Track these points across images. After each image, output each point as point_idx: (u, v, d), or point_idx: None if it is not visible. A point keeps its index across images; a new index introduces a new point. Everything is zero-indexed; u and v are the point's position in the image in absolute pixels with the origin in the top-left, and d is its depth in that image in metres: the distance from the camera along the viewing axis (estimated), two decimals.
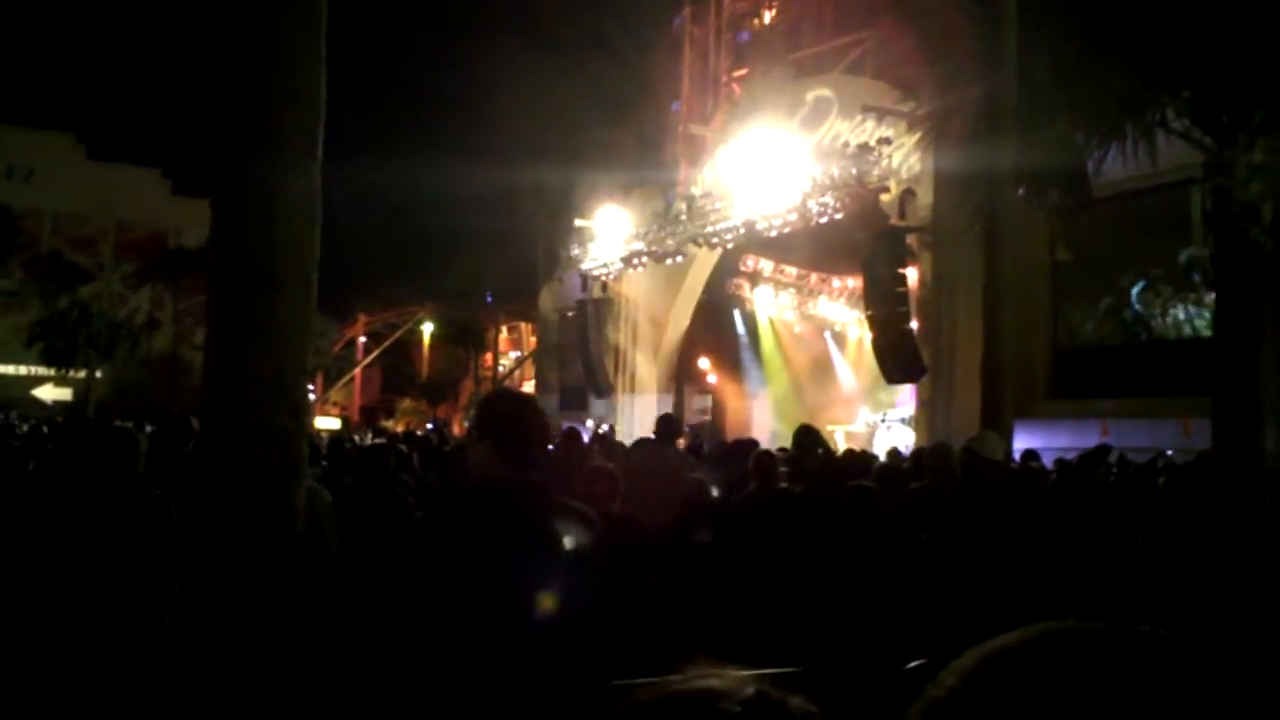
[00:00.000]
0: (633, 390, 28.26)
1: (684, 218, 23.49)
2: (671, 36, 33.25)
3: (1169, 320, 17.31)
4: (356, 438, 18.83)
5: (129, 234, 52.69)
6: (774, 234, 21.71)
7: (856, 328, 27.10)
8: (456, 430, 34.02)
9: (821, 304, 29.35)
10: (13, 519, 4.34)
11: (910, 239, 18.48)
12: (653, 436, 8.25)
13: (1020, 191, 9.97)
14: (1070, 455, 9.82)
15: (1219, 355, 9.26)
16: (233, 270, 3.46)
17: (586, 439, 12.02)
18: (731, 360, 30.85)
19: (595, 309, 27.98)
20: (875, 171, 18.49)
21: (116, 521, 4.22)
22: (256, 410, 3.37)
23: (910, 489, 6.38)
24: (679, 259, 24.89)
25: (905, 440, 19.59)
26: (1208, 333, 12.88)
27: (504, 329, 49.91)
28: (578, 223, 27.87)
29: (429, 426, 31.58)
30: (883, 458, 11.44)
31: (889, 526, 5.75)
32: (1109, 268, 17.72)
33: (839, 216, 19.35)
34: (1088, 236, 12.83)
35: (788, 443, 8.91)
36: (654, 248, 24.63)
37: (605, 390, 28.04)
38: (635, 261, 25.51)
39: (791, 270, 28.67)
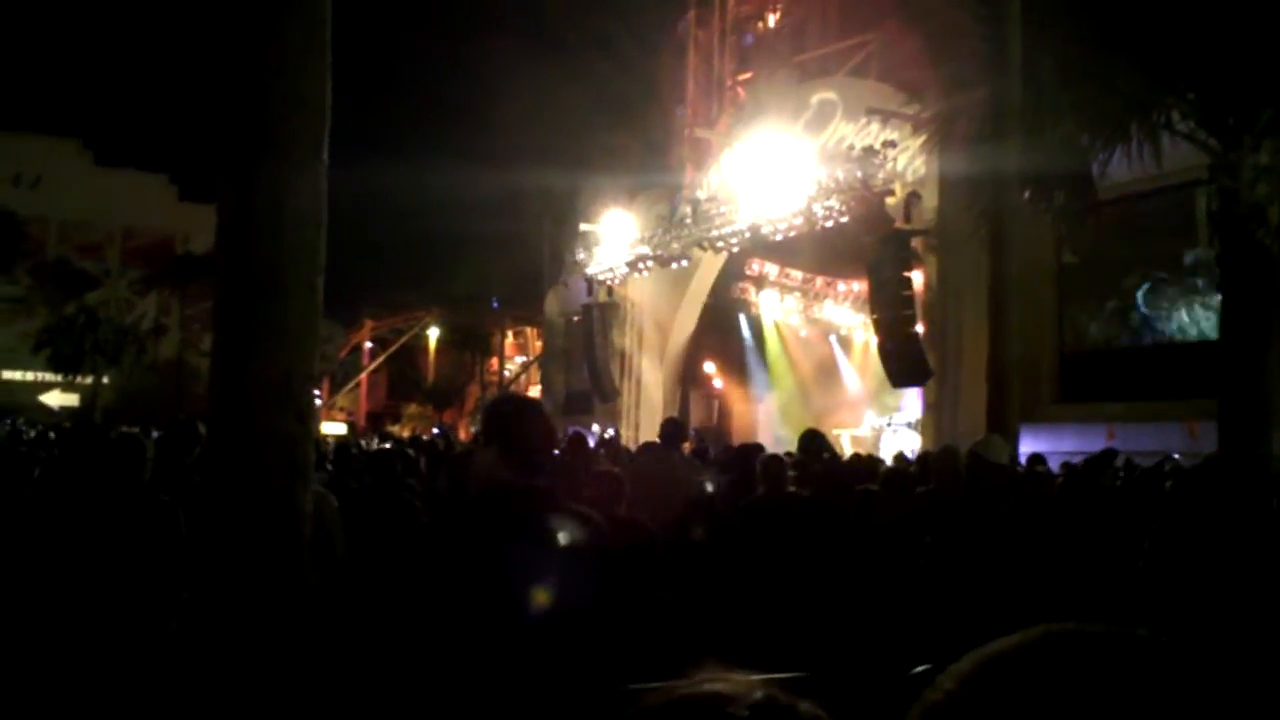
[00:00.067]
0: (638, 395, 28.25)
1: (689, 221, 23.49)
2: (676, 40, 33.30)
3: (1175, 323, 17.27)
4: (363, 443, 18.85)
5: (136, 240, 52.86)
6: (779, 238, 21.70)
7: (862, 331, 27.08)
8: (462, 435, 34.04)
9: (827, 308, 29.33)
10: (19, 525, 4.35)
11: (915, 242, 18.46)
12: (658, 441, 8.25)
13: (1025, 194, 9.96)
14: (1076, 459, 9.79)
15: (1225, 358, 9.23)
16: (239, 275, 3.47)
17: (592, 443, 12.03)
18: (737, 364, 30.84)
19: (600, 313, 27.98)
20: (880, 175, 18.47)
21: (123, 527, 4.23)
22: (263, 415, 3.38)
23: (916, 493, 6.38)
24: (684, 263, 24.89)
25: (911, 444, 19.57)
26: (1214, 335, 12.85)
27: (509, 334, 49.93)
28: (583, 227, 27.87)
29: (435, 431, 31.59)
30: (889, 462, 11.43)
31: (895, 531, 5.74)
32: (1115, 270, 17.69)
33: (844, 220, 19.33)
34: (1093, 239, 12.79)
35: (792, 447, 8.91)
36: (659, 252, 24.63)
37: (611, 395, 28.03)
38: (640, 266, 25.52)
39: (797, 274, 28.66)
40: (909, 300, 17.77)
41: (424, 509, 5.88)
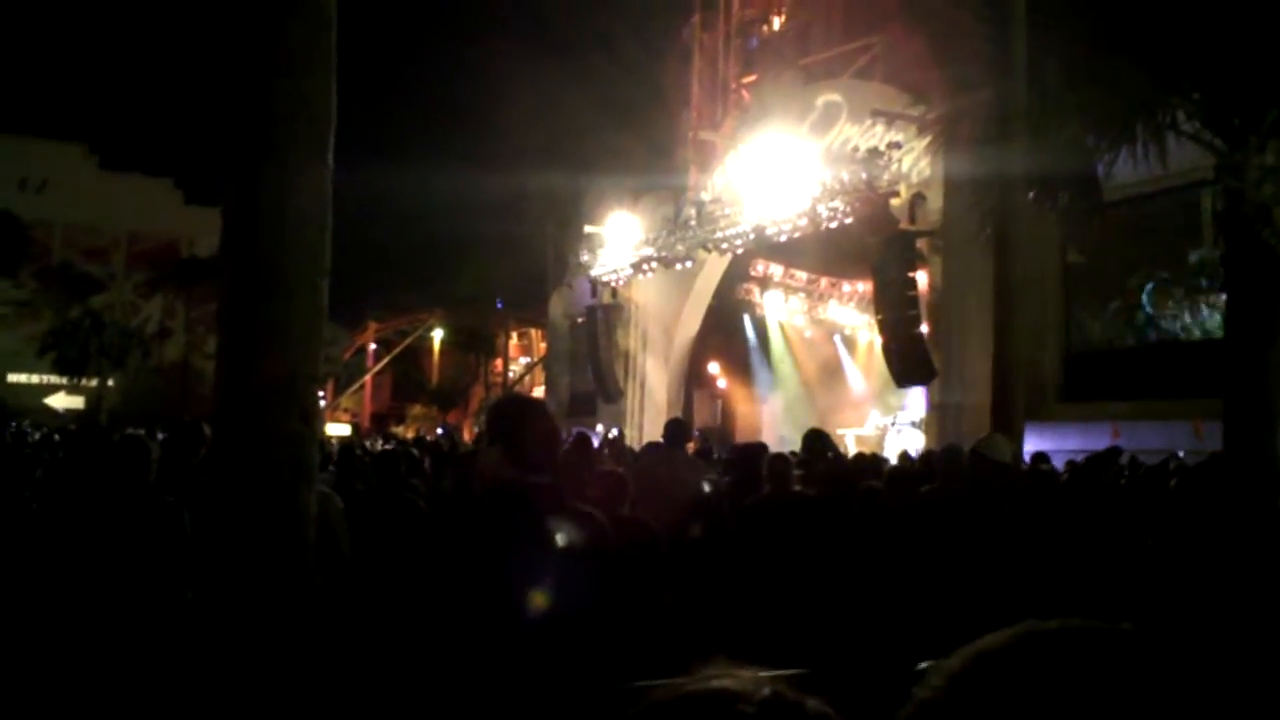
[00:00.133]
0: (642, 396, 28.25)
1: (694, 223, 23.50)
2: (681, 43, 33.32)
3: (1180, 323, 17.25)
4: (367, 444, 18.87)
5: (141, 244, 52.93)
6: (784, 239, 21.71)
7: (867, 332, 27.07)
8: (467, 436, 34.06)
9: (831, 308, 29.32)
10: (22, 526, 4.37)
11: (920, 243, 18.46)
12: (662, 441, 8.25)
13: (1031, 195, 9.95)
14: (1081, 458, 9.78)
15: (1231, 357, 9.22)
16: (244, 277, 3.48)
17: (596, 444, 12.03)
18: (741, 365, 30.84)
19: (605, 315, 27.99)
20: (885, 176, 18.47)
21: (127, 528, 4.24)
22: (267, 416, 3.38)
23: (921, 492, 6.38)
24: (689, 264, 24.89)
25: (916, 444, 19.55)
26: (1219, 335, 12.84)
27: (514, 335, 49.96)
28: (587, 229, 27.89)
29: (439, 432, 31.61)
30: (893, 461, 11.41)
31: (899, 528, 5.74)
32: (1120, 270, 17.67)
33: (849, 221, 19.33)
34: (1098, 240, 12.79)
35: (796, 447, 8.90)
36: (664, 253, 24.63)
37: (615, 395, 28.04)
38: (645, 267, 25.52)
39: (801, 275, 28.65)
40: (914, 300, 17.76)
41: (429, 509, 5.89)
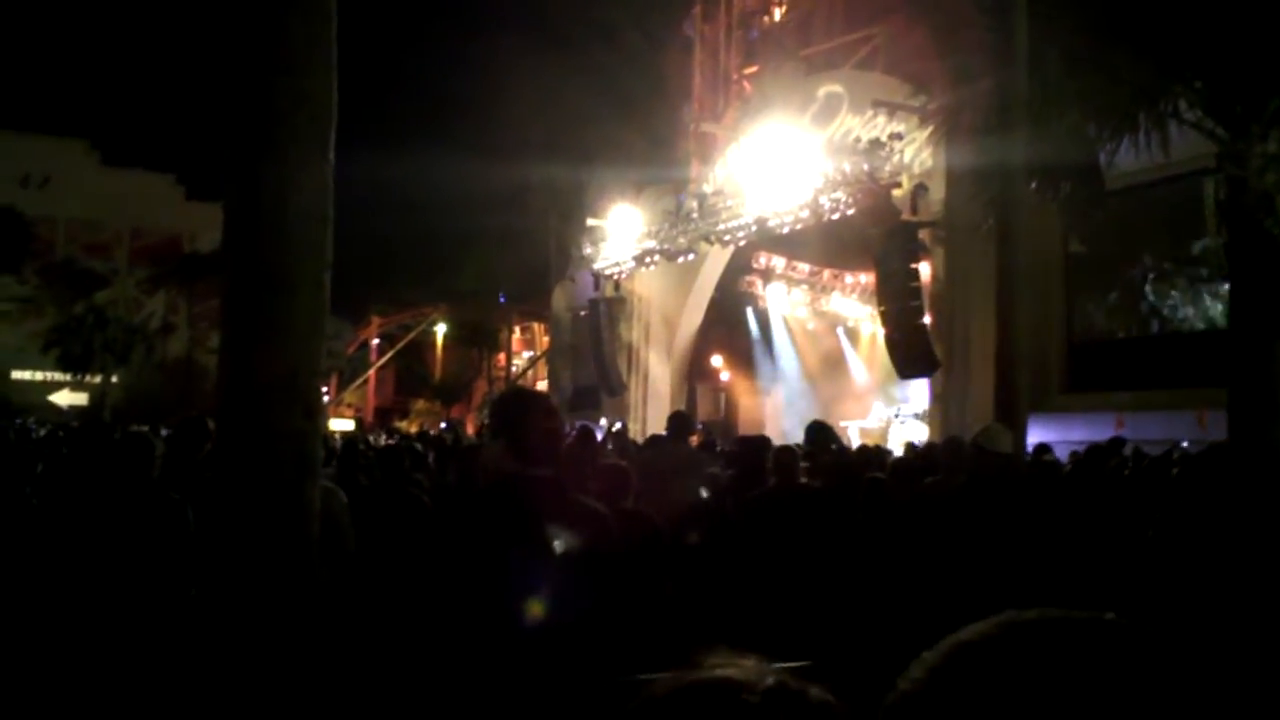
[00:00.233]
0: (645, 389, 28.26)
1: (695, 215, 23.48)
2: (682, 35, 33.26)
3: (1183, 312, 17.23)
4: (371, 438, 18.89)
5: (143, 240, 52.99)
6: (786, 231, 21.69)
7: (869, 323, 27.04)
8: (470, 430, 34.09)
9: (834, 300, 29.30)
10: (23, 521, 4.37)
11: (923, 234, 18.43)
12: (665, 434, 8.26)
13: (1033, 185, 9.93)
14: (1084, 449, 9.78)
15: (1234, 346, 9.21)
16: (246, 272, 3.48)
17: (600, 437, 12.04)
18: (744, 357, 30.83)
19: (608, 308, 27.98)
20: (887, 167, 18.45)
21: (131, 524, 4.24)
22: (270, 411, 3.39)
23: (925, 483, 6.38)
24: (691, 257, 24.88)
25: (920, 435, 19.55)
26: (1223, 324, 12.83)
27: (517, 329, 49.98)
28: (590, 222, 27.88)
29: (443, 426, 31.64)
30: (898, 452, 11.41)
31: (903, 519, 5.75)
32: (1123, 260, 17.66)
33: (851, 212, 19.31)
34: (1101, 229, 12.77)
35: (799, 439, 8.90)
36: (666, 246, 24.63)
37: (618, 389, 28.05)
38: (647, 260, 25.52)
39: (804, 267, 28.63)
40: (916, 291, 17.74)
41: (432, 503, 5.90)
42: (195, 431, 5.70)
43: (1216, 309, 15.98)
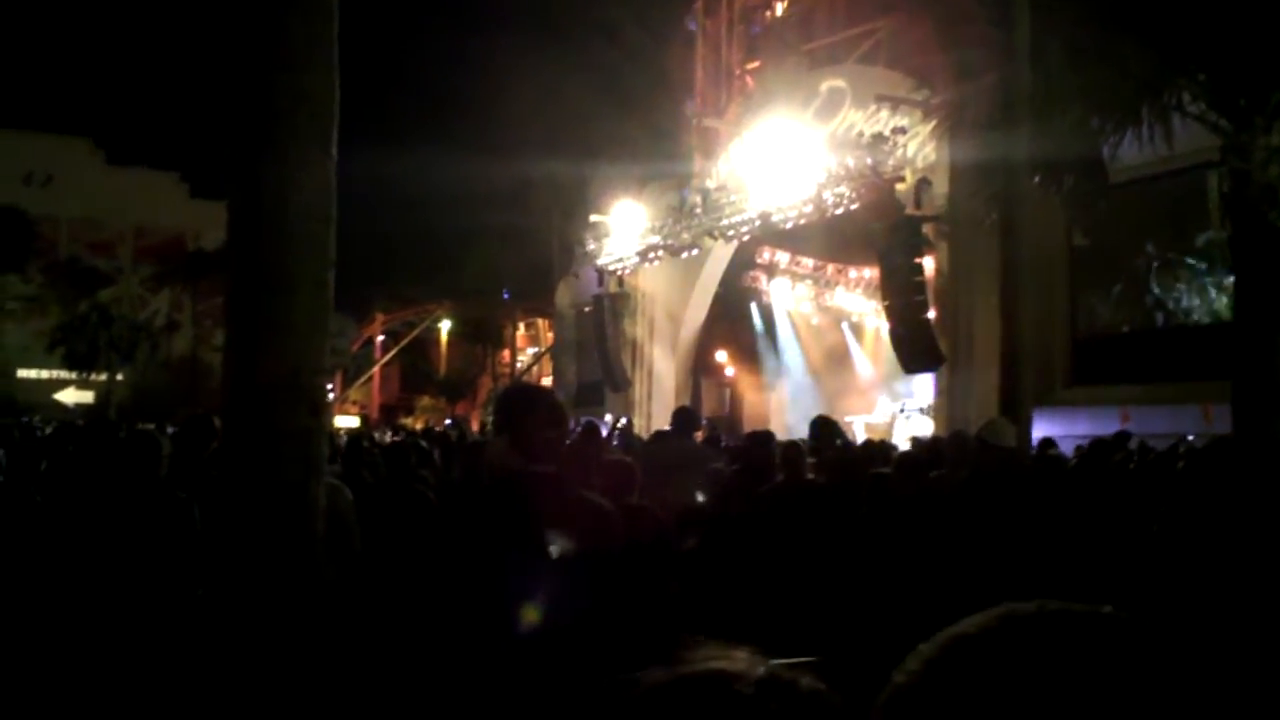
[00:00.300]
0: (650, 384, 28.26)
1: (699, 211, 23.46)
2: (684, 30, 33.22)
3: (1188, 305, 17.20)
4: (376, 435, 18.92)
5: (148, 238, 53.08)
6: (789, 226, 21.67)
7: (874, 318, 27.01)
8: (475, 427, 34.10)
9: (838, 295, 29.27)
10: (28, 519, 4.38)
11: (926, 228, 18.40)
12: (670, 429, 8.26)
13: (1036, 179, 9.92)
14: (1088, 443, 9.77)
15: (1239, 339, 9.20)
16: (249, 270, 3.49)
17: (604, 433, 12.04)
18: (749, 352, 30.81)
19: (612, 304, 27.97)
20: (890, 161, 18.42)
21: (138, 523, 4.25)
22: (275, 409, 3.39)
23: (930, 477, 6.38)
24: (695, 252, 24.87)
25: (925, 430, 19.54)
26: (1228, 317, 12.81)
27: (521, 325, 49.99)
28: (593, 218, 27.86)
29: (448, 423, 31.68)
30: (905, 447, 11.40)
31: (908, 514, 5.75)
32: (1127, 253, 17.62)
33: (854, 207, 19.29)
34: (1105, 223, 12.75)
35: (803, 434, 8.90)
36: (669, 241, 24.62)
37: (622, 385, 28.05)
38: (651, 256, 25.50)
39: (808, 262, 28.60)
40: (920, 286, 17.72)
41: (438, 500, 5.90)
42: (201, 430, 5.70)
43: (1221, 302, 15.94)
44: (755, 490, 6.39)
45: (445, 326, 51.07)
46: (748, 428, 21.24)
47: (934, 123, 12.58)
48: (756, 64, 30.15)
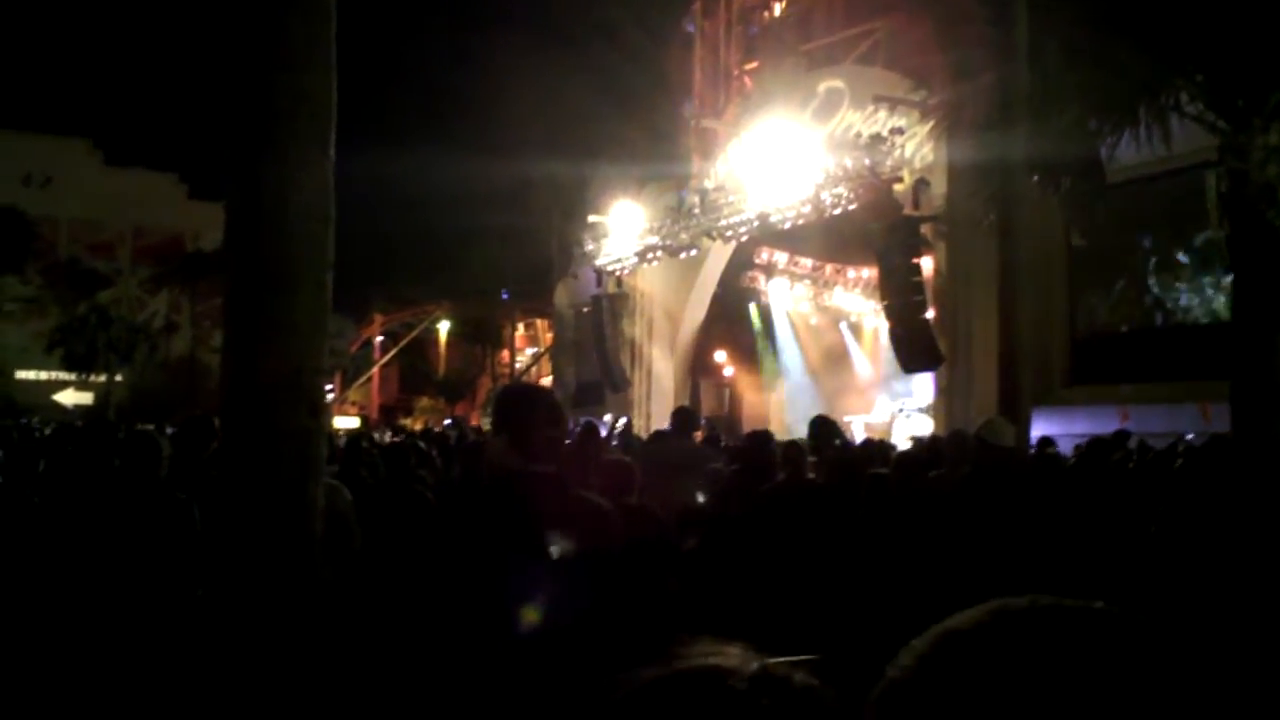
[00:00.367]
0: (649, 385, 28.26)
1: (697, 211, 23.46)
2: (682, 31, 33.24)
3: (1187, 304, 17.22)
4: (375, 435, 18.91)
5: (146, 239, 53.06)
6: (788, 226, 21.67)
7: (873, 318, 27.03)
8: (475, 422, 34.10)
9: (837, 295, 29.27)
10: (26, 520, 4.38)
11: (924, 229, 18.41)
12: (669, 429, 8.26)
13: (1034, 179, 9.93)
14: (1087, 442, 9.77)
15: (1237, 339, 9.20)
16: (247, 271, 3.49)
17: (604, 433, 12.04)
18: (747, 353, 30.82)
19: (610, 304, 27.96)
20: (888, 162, 18.43)
21: (139, 526, 4.25)
22: (274, 410, 3.40)
23: (929, 477, 6.39)
24: (693, 253, 24.87)
25: (924, 429, 19.55)
26: (1226, 316, 12.82)
27: (520, 326, 49.98)
28: (591, 218, 27.85)
29: (447, 423, 31.68)
30: (905, 446, 11.40)
31: (907, 514, 5.75)
32: (1126, 253, 17.65)
33: (852, 207, 19.29)
34: (1103, 223, 12.76)
35: (802, 434, 8.90)
36: (668, 242, 24.62)
37: (621, 385, 28.04)
38: (650, 256, 25.50)
39: (806, 262, 28.60)
40: (919, 286, 17.73)
41: (437, 500, 5.90)
42: (200, 430, 5.70)
43: (1219, 301, 15.96)
44: (756, 490, 6.39)
45: (444, 327, 51.06)
46: (746, 428, 21.25)
47: (932, 123, 12.56)
48: (754, 65, 30.16)
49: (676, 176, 27.62)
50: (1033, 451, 9.10)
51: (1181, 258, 17.00)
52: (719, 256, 26.11)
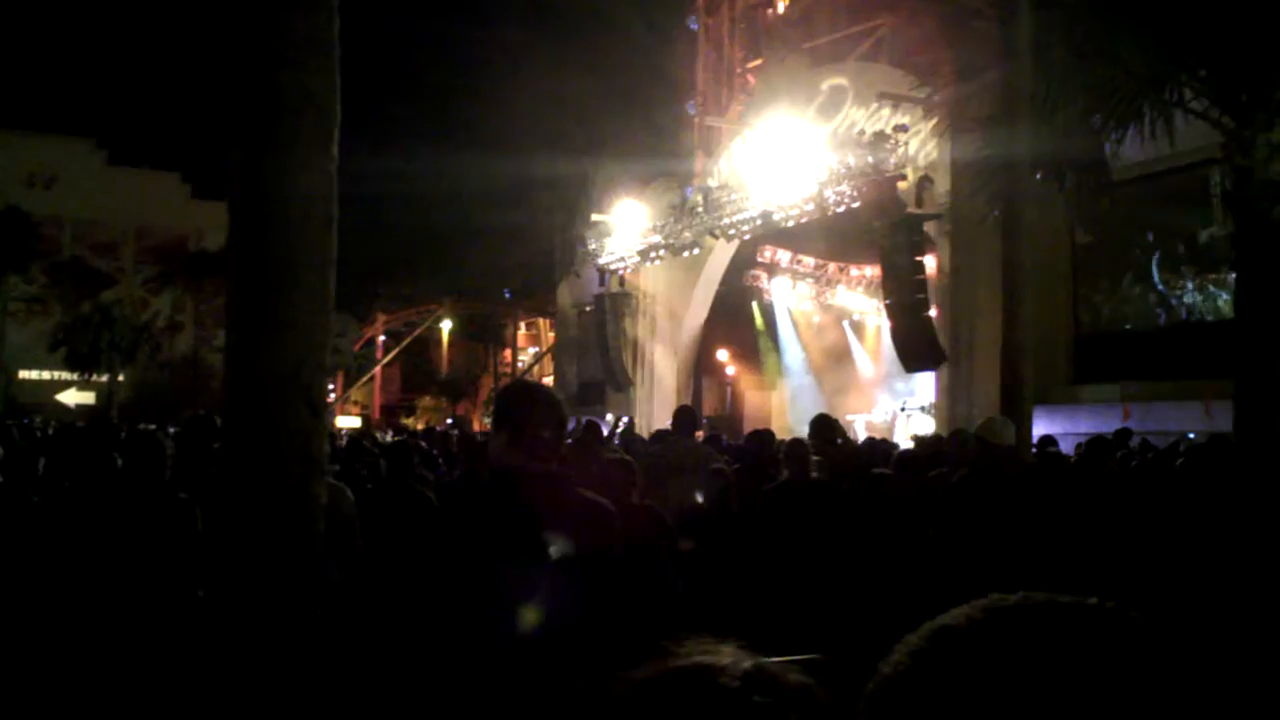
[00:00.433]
0: (651, 383, 28.28)
1: (700, 210, 23.48)
2: (686, 29, 33.26)
3: (1191, 302, 17.20)
4: (377, 435, 18.94)
5: (149, 238, 53.08)
6: (791, 224, 21.68)
7: (875, 316, 27.02)
8: (476, 427, 34.13)
9: (839, 293, 29.27)
10: (26, 520, 4.38)
11: (928, 227, 18.42)
12: (670, 428, 8.25)
13: (1038, 176, 9.91)
14: (1087, 440, 9.77)
15: (1241, 336, 9.18)
16: (250, 270, 3.49)
17: (605, 432, 12.04)
18: (750, 351, 30.83)
19: (613, 303, 27.99)
20: (892, 159, 18.43)
21: (141, 526, 4.25)
22: (276, 409, 3.39)
23: (930, 476, 6.38)
24: (696, 251, 24.88)
25: (927, 428, 19.54)
26: (1230, 314, 12.80)
27: (522, 325, 50.02)
28: (594, 217, 27.88)
29: (448, 422, 31.70)
30: (907, 445, 11.40)
31: (907, 513, 5.75)
32: (1130, 250, 17.63)
33: (856, 205, 19.30)
34: (1107, 220, 12.74)
35: (804, 433, 8.90)
36: (671, 240, 24.63)
37: (624, 384, 28.07)
38: (652, 255, 25.51)
39: (809, 260, 28.60)
40: (922, 284, 17.73)
41: (438, 499, 5.90)
42: (203, 430, 5.71)
43: (1223, 299, 15.94)
44: (758, 488, 6.39)
45: (447, 326, 51.07)
46: (749, 427, 21.26)
47: (935, 120, 12.55)
48: (758, 62, 30.17)
49: (679, 175, 27.65)
50: (1034, 450, 9.08)
51: (1186, 255, 16.98)
52: (721, 255, 26.11)
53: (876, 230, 18.76)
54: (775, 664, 0.77)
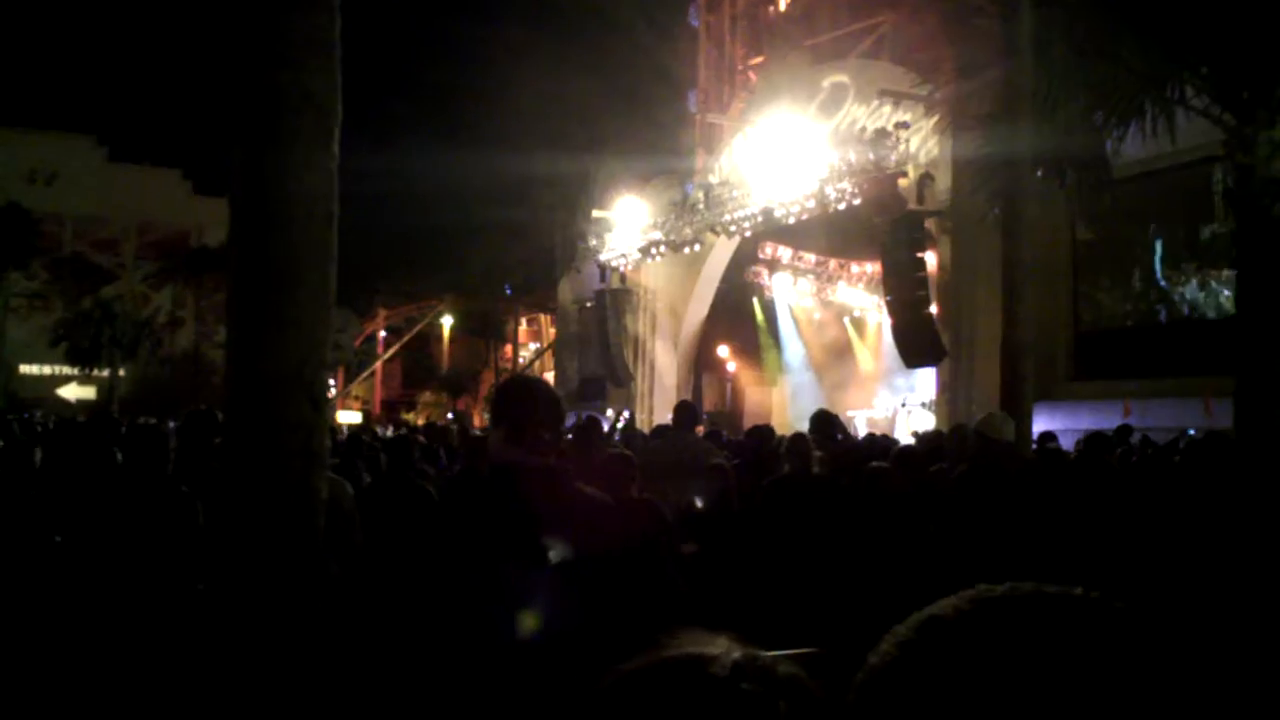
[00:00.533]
0: (652, 379, 28.28)
1: (701, 206, 23.47)
2: (687, 26, 33.25)
3: (1192, 299, 17.19)
4: (378, 430, 18.96)
5: (151, 234, 53.12)
6: (792, 221, 21.68)
7: (876, 313, 27.02)
8: (477, 422, 34.15)
9: (840, 290, 29.26)
10: (24, 514, 4.38)
11: (929, 223, 18.42)
12: (671, 424, 8.26)
13: (1040, 173, 9.91)
14: (1086, 437, 9.77)
15: (1242, 333, 9.18)
16: (251, 267, 3.49)
17: (606, 428, 12.04)
18: (750, 347, 30.83)
19: (614, 299, 27.99)
20: (893, 156, 18.43)
21: (142, 520, 4.25)
22: (277, 403, 3.40)
23: (930, 471, 6.38)
24: (697, 248, 24.88)
25: (927, 424, 19.54)
26: (1231, 311, 12.80)
27: (523, 321, 50.00)
28: (596, 213, 27.88)
29: (449, 417, 31.70)
30: (908, 441, 11.40)
31: (907, 508, 5.75)
32: (1131, 248, 17.63)
33: (857, 202, 19.30)
34: (1108, 217, 12.74)
35: (803, 429, 8.90)
36: (672, 237, 24.63)
37: (624, 380, 28.07)
38: (653, 251, 25.51)
39: (810, 257, 28.59)
40: (923, 281, 17.73)
41: (438, 493, 5.91)
42: (204, 424, 5.71)
43: (1224, 296, 15.93)
44: (758, 484, 6.40)
45: (447, 322, 51.05)
46: (749, 423, 21.26)
47: (937, 118, 12.55)
48: (759, 59, 30.15)
49: (680, 171, 27.65)
50: (1034, 447, 9.09)
51: (1187, 252, 16.97)
52: (722, 251, 26.11)
53: (877, 227, 18.76)
54: (766, 655, 0.78)
